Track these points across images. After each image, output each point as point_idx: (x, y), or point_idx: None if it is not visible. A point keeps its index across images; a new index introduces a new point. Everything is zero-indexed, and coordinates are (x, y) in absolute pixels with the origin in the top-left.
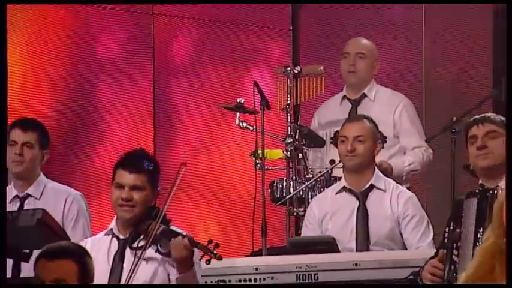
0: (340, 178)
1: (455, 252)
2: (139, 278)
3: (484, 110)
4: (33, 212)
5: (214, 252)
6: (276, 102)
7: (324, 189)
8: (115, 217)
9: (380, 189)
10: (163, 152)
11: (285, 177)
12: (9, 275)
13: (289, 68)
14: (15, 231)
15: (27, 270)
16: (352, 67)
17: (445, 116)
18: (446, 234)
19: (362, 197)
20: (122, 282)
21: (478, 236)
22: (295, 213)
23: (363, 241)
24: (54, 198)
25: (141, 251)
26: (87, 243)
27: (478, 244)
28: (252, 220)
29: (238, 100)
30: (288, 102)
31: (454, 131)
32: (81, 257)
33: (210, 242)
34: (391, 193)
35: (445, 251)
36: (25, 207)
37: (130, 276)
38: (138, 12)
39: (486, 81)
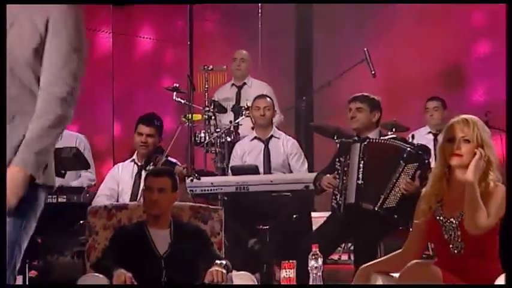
0: (235, 132)
1: (345, 173)
2: None
3: None
4: (70, 149)
5: (196, 174)
6: (199, 86)
7: (226, 139)
8: (136, 151)
9: (276, 137)
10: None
11: (203, 130)
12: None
13: (206, 66)
14: (58, 160)
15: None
16: (238, 66)
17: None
18: (337, 162)
19: (266, 142)
20: (140, 190)
21: (360, 166)
22: (209, 152)
23: (267, 169)
24: (68, 139)
25: None
26: (119, 167)
27: (360, 170)
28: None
29: (174, 84)
30: (206, 86)
31: (303, 105)
32: (173, 175)
33: (193, 169)
34: (282, 140)
35: (338, 171)
36: None
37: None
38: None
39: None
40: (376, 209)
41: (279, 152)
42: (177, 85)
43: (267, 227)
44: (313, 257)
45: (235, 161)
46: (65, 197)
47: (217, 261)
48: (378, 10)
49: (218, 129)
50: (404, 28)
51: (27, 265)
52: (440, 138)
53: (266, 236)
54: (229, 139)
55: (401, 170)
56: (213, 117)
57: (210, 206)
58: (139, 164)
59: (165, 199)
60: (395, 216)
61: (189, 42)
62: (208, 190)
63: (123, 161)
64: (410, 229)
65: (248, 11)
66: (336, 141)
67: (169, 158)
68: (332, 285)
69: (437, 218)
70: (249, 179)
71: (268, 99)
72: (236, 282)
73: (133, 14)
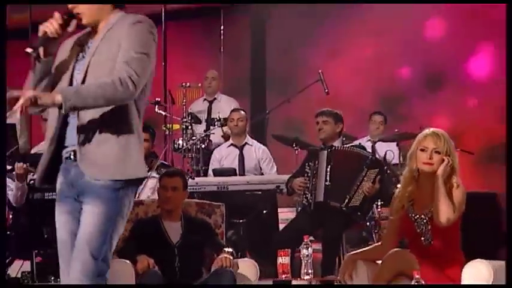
0: (208, 140)
1: (314, 176)
2: (148, 186)
3: None
4: None
5: (190, 175)
6: (177, 100)
7: (201, 146)
8: None
9: (249, 144)
10: None
11: (181, 138)
12: None
13: (184, 84)
14: None
15: None
16: (210, 84)
17: None
18: (307, 166)
19: (240, 148)
20: (139, 190)
21: (327, 170)
22: (186, 156)
23: (242, 171)
24: None
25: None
26: None
27: (327, 173)
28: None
29: (156, 99)
30: (184, 101)
31: (267, 117)
32: (184, 176)
33: (188, 170)
34: (255, 147)
35: (308, 174)
36: None
37: (143, 188)
38: None
39: None
40: (343, 207)
41: (251, 157)
42: (159, 99)
43: (242, 220)
44: (305, 246)
45: (214, 164)
46: None
47: (225, 249)
48: (327, 38)
49: (194, 137)
50: (347, 50)
51: (34, 253)
52: (412, 146)
53: (241, 228)
54: (203, 146)
55: (364, 174)
56: (189, 127)
57: (213, 203)
58: None
59: (177, 196)
60: (359, 213)
61: (163, 63)
62: (193, 189)
63: None
64: (367, 224)
65: (212, 34)
66: (295, 148)
67: (162, 162)
68: (342, 285)
69: (410, 215)
70: (229, 180)
71: (242, 112)
72: (241, 267)
73: None
